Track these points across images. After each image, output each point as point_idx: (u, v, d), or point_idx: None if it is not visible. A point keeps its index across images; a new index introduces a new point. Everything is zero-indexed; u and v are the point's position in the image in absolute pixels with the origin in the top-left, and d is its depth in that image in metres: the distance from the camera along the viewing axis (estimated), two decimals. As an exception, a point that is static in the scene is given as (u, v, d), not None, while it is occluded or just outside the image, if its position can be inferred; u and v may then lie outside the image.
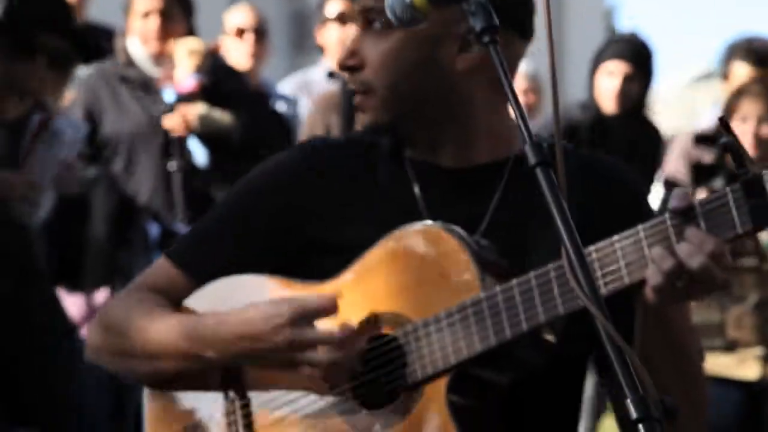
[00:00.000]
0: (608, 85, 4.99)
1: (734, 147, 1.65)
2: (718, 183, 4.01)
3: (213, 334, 1.91)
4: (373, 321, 1.88)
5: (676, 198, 1.72)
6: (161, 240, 4.40)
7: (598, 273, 1.74)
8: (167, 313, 1.99)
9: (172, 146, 4.69)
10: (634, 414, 1.44)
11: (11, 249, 3.94)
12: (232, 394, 1.97)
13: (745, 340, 4.08)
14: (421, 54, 1.92)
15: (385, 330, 1.88)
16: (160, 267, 2.07)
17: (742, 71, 5.20)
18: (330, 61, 5.75)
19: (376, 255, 1.90)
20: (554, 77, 1.60)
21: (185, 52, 4.75)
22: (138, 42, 4.89)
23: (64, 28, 4.08)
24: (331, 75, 5.66)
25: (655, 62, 5.14)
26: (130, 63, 4.86)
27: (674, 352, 1.86)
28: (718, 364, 4.07)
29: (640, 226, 1.73)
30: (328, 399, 1.90)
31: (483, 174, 1.97)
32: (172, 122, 4.69)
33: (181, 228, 4.46)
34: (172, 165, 4.67)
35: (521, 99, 1.66)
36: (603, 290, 1.73)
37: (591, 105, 5.06)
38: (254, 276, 1.99)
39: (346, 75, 2.00)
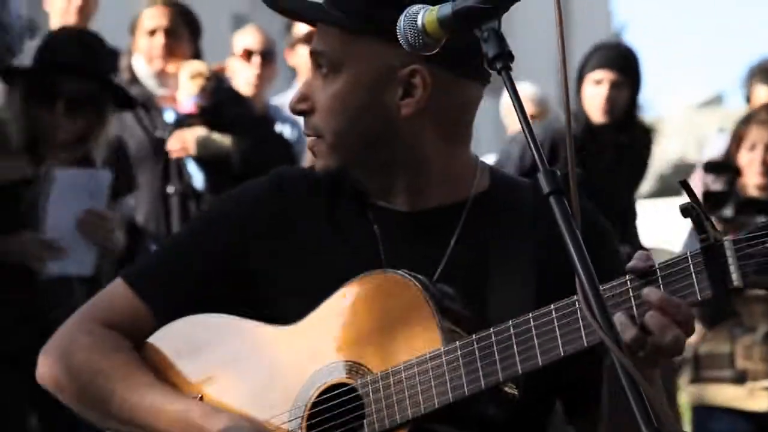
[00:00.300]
0: (595, 94, 4.98)
1: (694, 212, 1.62)
2: (728, 211, 4.01)
3: (199, 429, 1.90)
4: (333, 370, 1.87)
5: (637, 259, 1.70)
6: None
7: (557, 333, 1.72)
8: (147, 381, 1.96)
9: (171, 169, 4.69)
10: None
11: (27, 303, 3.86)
12: None
13: (755, 371, 4.05)
14: (365, 99, 1.91)
15: (346, 379, 1.85)
16: (123, 298, 2.02)
17: (762, 93, 5.20)
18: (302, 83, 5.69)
19: (339, 300, 1.88)
20: (567, 103, 1.58)
21: (188, 75, 4.74)
22: (143, 60, 4.90)
23: (88, 72, 3.99)
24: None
25: (642, 68, 5.13)
26: (133, 80, 4.86)
27: None
28: (727, 395, 4.05)
29: (600, 287, 1.66)
30: None
31: (440, 216, 1.95)
32: (170, 145, 4.68)
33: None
34: (171, 188, 4.66)
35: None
36: (561, 351, 1.71)
37: (579, 115, 5.02)
38: (224, 317, 1.97)
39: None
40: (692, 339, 1.86)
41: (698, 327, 3.41)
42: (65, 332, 2.03)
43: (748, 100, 5.29)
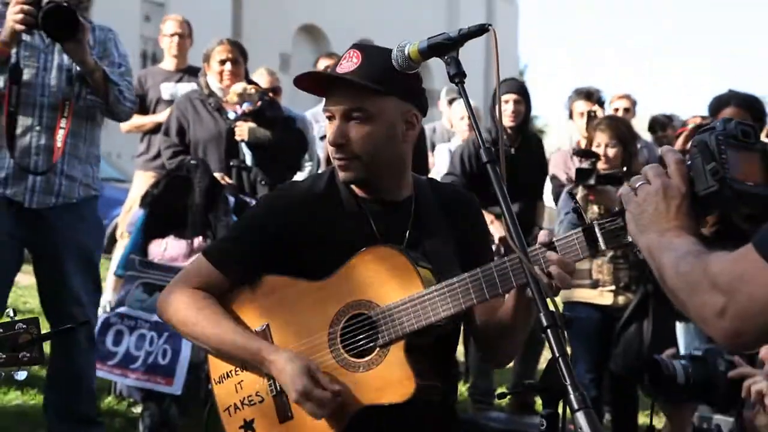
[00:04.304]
0: (505, 108, 5.13)
1: (578, 210, 1.77)
2: (592, 180, 4.05)
3: (269, 360, 1.94)
4: (353, 305, 1.92)
5: (542, 235, 1.80)
6: (236, 207, 4.38)
7: (497, 280, 1.80)
8: (231, 325, 2.00)
9: (232, 149, 4.64)
10: (544, 322, 1.43)
11: None
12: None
13: (604, 280, 4.11)
14: (388, 134, 1.95)
15: (363, 311, 1.91)
16: (206, 269, 2.05)
17: (579, 106, 5.38)
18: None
19: (352, 263, 1.92)
20: (500, 106, 1.59)
21: (238, 90, 4.72)
22: (214, 79, 4.86)
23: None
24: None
25: (531, 92, 5.28)
26: (210, 94, 4.83)
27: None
28: (586, 295, 4.11)
29: (519, 251, 1.79)
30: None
31: (404, 207, 2.02)
32: (234, 133, 4.66)
33: (248, 200, 4.48)
34: (233, 162, 4.65)
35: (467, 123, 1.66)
36: (501, 290, 1.80)
37: (494, 122, 5.17)
38: (280, 276, 2.00)
39: (334, 149, 2.00)
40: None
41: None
42: (173, 290, 2.06)
43: (570, 114, 5.48)
